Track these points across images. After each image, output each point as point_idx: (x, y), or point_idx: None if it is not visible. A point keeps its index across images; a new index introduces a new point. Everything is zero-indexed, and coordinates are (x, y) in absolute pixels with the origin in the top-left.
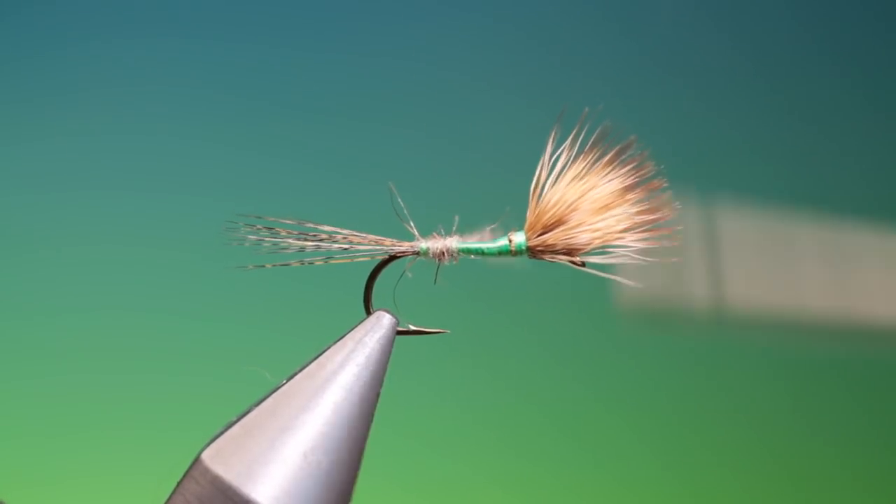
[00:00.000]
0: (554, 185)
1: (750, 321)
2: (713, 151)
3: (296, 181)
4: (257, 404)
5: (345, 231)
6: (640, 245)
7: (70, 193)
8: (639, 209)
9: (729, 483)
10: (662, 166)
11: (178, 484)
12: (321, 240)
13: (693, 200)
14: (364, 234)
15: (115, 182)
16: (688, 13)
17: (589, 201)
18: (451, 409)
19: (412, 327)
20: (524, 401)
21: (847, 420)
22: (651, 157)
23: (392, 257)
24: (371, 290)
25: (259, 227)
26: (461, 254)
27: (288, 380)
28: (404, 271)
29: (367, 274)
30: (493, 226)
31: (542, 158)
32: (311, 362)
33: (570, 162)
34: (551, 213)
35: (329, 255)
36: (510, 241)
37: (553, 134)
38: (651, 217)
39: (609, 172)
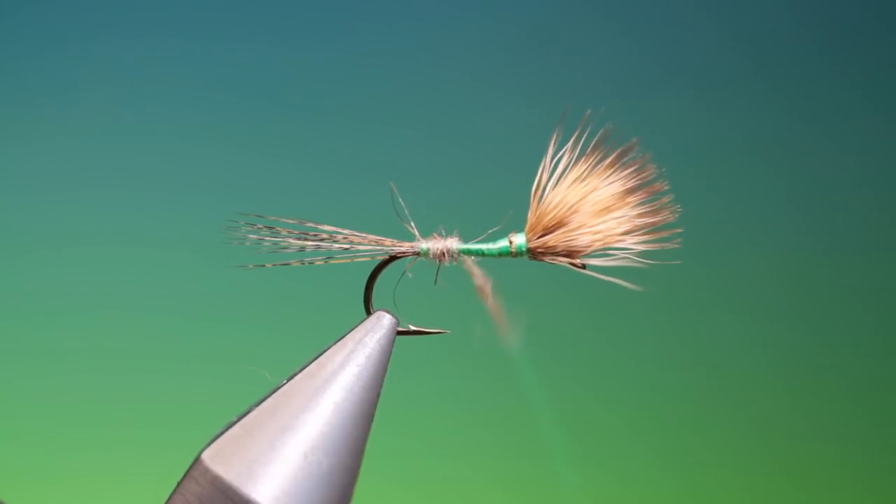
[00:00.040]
0: (555, 186)
1: None
2: (713, 151)
3: (296, 181)
4: (257, 404)
5: (345, 231)
6: (641, 248)
7: (70, 193)
8: (640, 212)
9: (729, 483)
10: (664, 169)
11: (178, 484)
12: (321, 240)
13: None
14: (364, 235)
15: (115, 182)
16: (688, 13)
17: (590, 203)
18: (451, 409)
19: (412, 327)
20: (524, 401)
21: (847, 420)
22: (652, 160)
23: (392, 258)
24: (371, 290)
25: (259, 226)
26: (461, 254)
27: (288, 380)
28: (405, 271)
29: (368, 274)
30: (494, 229)
31: (543, 160)
32: (311, 362)
33: (571, 164)
34: (552, 214)
35: (329, 255)
36: (511, 242)
37: (555, 135)
38: (652, 220)
39: (610, 175)
